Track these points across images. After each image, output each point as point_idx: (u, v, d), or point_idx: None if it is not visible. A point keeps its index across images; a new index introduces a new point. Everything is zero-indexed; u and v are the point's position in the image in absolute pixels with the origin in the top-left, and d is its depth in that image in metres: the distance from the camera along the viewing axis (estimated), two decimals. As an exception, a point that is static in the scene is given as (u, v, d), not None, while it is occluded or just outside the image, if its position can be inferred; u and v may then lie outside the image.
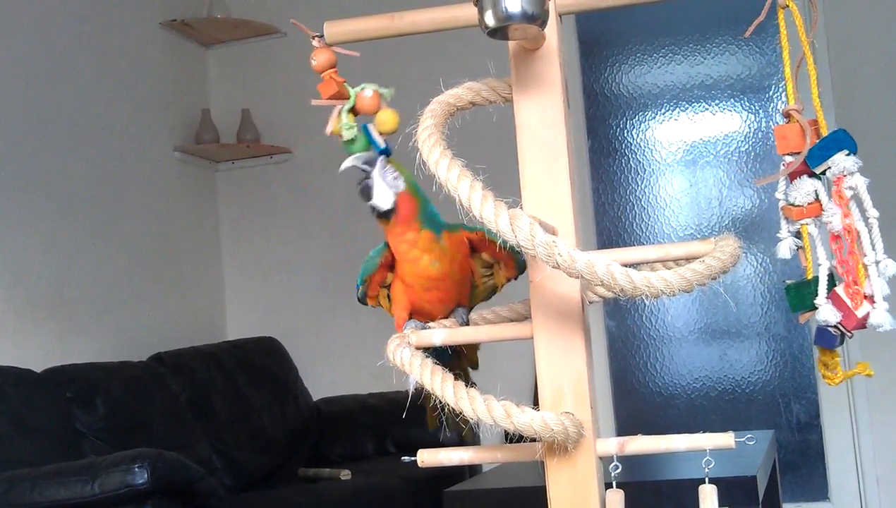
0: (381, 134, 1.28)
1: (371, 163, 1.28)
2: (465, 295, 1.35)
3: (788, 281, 1.19)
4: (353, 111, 1.27)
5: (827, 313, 1.14)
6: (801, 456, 4.02)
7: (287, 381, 4.12)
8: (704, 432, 1.13)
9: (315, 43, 1.26)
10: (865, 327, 1.13)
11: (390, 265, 1.33)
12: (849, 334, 1.15)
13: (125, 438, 3.07)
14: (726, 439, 1.11)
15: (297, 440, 3.98)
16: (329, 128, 1.29)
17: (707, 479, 1.13)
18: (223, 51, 4.67)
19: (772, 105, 4.12)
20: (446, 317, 1.34)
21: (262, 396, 3.93)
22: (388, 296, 1.36)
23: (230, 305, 4.59)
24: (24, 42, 3.53)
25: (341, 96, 1.26)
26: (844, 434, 3.92)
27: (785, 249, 1.19)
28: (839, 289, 1.14)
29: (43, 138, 3.56)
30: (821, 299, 1.14)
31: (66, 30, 3.74)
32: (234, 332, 4.50)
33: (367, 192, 1.27)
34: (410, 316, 1.34)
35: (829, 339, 1.16)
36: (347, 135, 1.27)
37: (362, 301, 1.37)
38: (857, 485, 3.88)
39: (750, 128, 4.15)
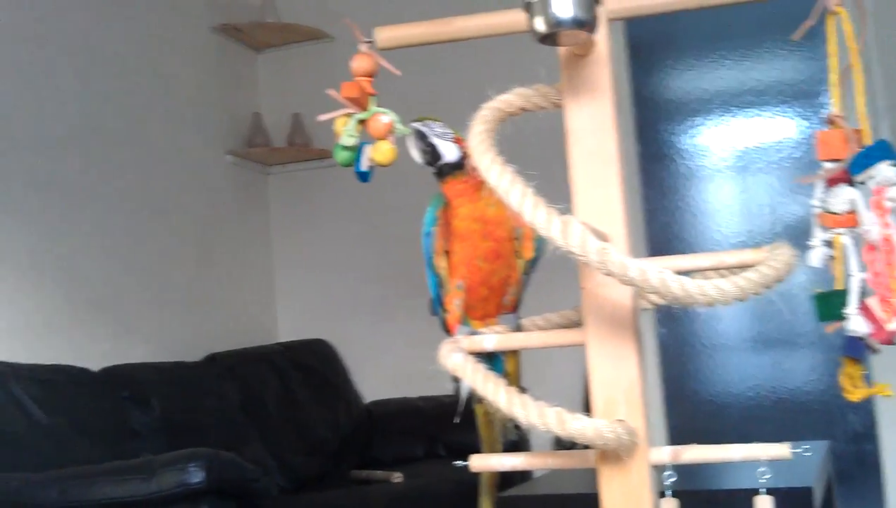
0: (372, 161, 1.27)
1: (418, 134, 1.29)
2: (513, 264, 1.32)
3: (817, 290, 1.17)
4: (362, 123, 1.27)
5: (858, 323, 1.12)
6: (857, 468, 3.94)
7: (337, 384, 4.15)
8: (758, 441, 1.12)
9: (363, 48, 1.26)
10: (893, 343, 1.11)
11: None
12: (877, 348, 1.13)
13: (179, 438, 3.11)
14: (783, 450, 1.10)
15: (347, 442, 4.00)
16: (326, 117, 1.28)
17: (763, 490, 1.12)
18: (274, 55, 4.73)
19: (823, 111, 4.06)
20: (498, 308, 1.34)
21: (314, 398, 3.96)
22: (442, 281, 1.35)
23: (281, 307, 4.64)
24: (78, 47, 3.60)
25: (359, 104, 1.26)
26: (902, 445, 3.84)
27: (816, 258, 1.17)
28: (871, 301, 1.12)
29: (97, 143, 3.63)
30: (852, 309, 1.13)
31: (119, 34, 3.81)
32: (286, 334, 4.54)
33: (435, 154, 1.29)
34: (464, 319, 1.34)
35: (858, 349, 1.14)
36: (349, 142, 1.26)
37: (430, 261, 1.34)
38: (915, 497, 3.80)
39: (801, 134, 4.09)
